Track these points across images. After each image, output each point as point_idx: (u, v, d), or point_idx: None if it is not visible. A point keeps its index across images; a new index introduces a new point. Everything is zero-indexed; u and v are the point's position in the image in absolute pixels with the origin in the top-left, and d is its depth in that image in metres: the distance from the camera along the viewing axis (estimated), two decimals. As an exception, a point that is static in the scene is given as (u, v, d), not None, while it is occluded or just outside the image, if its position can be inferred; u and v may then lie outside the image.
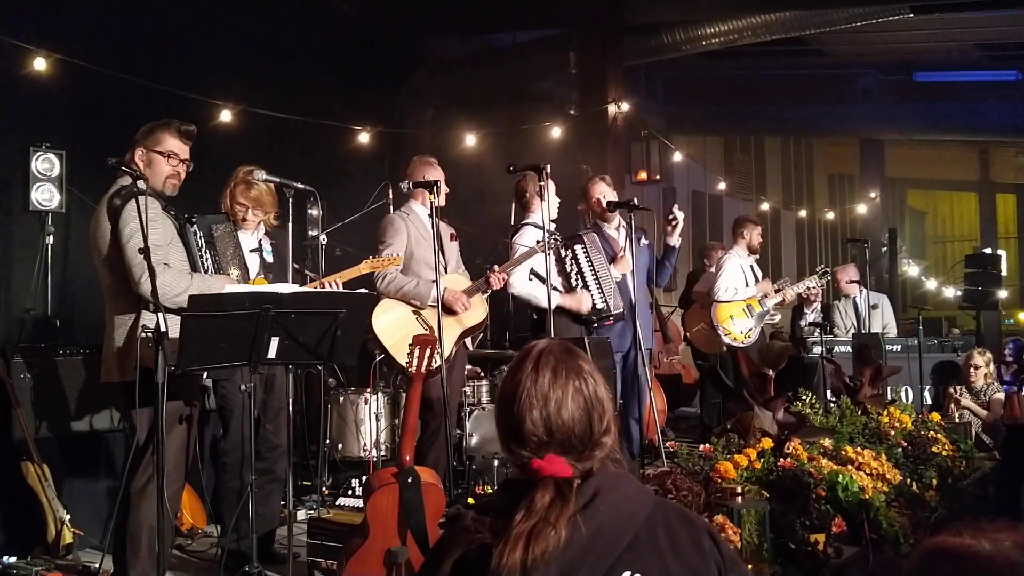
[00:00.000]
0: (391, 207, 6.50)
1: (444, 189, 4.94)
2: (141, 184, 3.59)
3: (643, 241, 5.83)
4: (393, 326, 4.86)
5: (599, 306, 5.34)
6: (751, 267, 7.48)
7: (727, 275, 7.30)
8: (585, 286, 5.35)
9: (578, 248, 5.41)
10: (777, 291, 7.49)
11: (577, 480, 1.58)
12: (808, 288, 7.96)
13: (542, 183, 4.97)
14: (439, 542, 1.64)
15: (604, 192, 5.72)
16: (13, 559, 4.44)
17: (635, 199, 5.65)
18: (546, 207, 5.07)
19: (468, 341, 5.17)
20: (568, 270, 5.36)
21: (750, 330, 7.23)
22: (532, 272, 5.24)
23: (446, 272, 4.94)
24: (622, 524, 1.56)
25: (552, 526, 1.51)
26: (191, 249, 3.80)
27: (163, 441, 3.22)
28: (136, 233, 3.41)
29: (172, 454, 3.59)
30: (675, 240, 5.89)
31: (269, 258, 4.73)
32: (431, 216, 4.89)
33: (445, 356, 4.68)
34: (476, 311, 5.03)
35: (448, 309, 4.84)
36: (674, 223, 5.79)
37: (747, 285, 7.35)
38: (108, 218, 3.58)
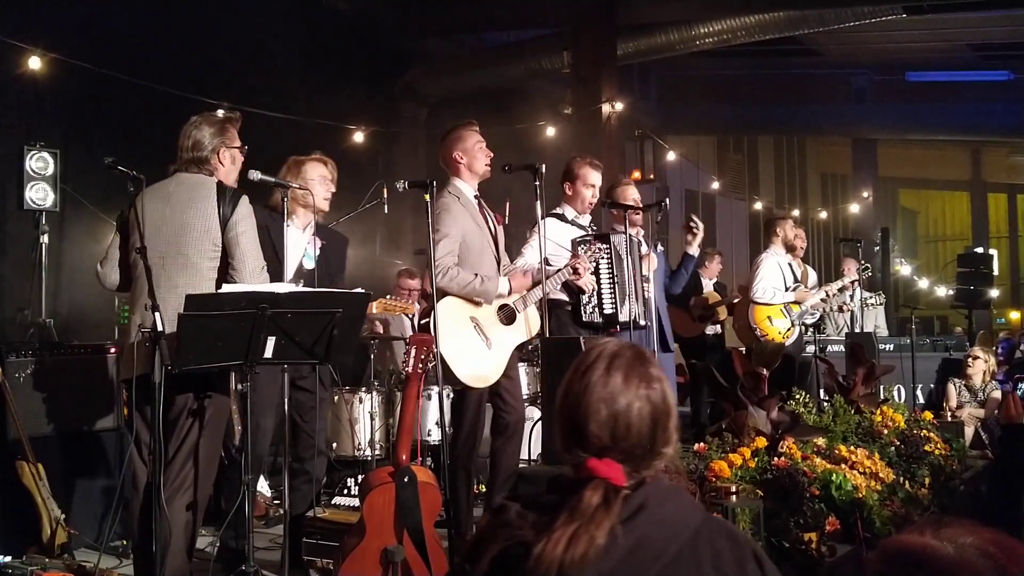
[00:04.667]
0: (385, 206, 6.48)
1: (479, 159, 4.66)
2: (213, 180, 3.66)
3: (659, 248, 5.83)
4: (449, 332, 4.35)
5: (607, 311, 5.16)
6: (789, 265, 7.30)
7: (764, 275, 7.14)
8: (597, 285, 5.18)
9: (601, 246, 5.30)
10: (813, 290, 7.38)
11: (626, 491, 1.55)
12: (847, 285, 7.85)
13: (536, 183, 4.89)
14: (481, 533, 1.62)
15: (635, 195, 5.68)
16: (8, 559, 4.43)
17: (667, 200, 5.64)
18: (540, 205, 4.98)
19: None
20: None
21: (788, 329, 7.12)
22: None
23: (499, 268, 4.64)
24: (665, 539, 1.53)
25: (592, 532, 1.49)
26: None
27: (161, 440, 3.22)
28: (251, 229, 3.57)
29: (215, 449, 3.64)
30: (694, 249, 5.94)
31: (309, 264, 4.37)
32: (477, 198, 4.62)
33: (501, 371, 4.52)
34: (535, 318, 4.68)
35: (511, 316, 4.59)
36: (695, 231, 5.85)
37: (786, 284, 7.19)
38: (242, 210, 3.60)
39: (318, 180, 4.38)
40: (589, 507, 1.52)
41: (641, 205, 5.58)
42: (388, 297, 4.56)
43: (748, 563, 1.57)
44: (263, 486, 5.49)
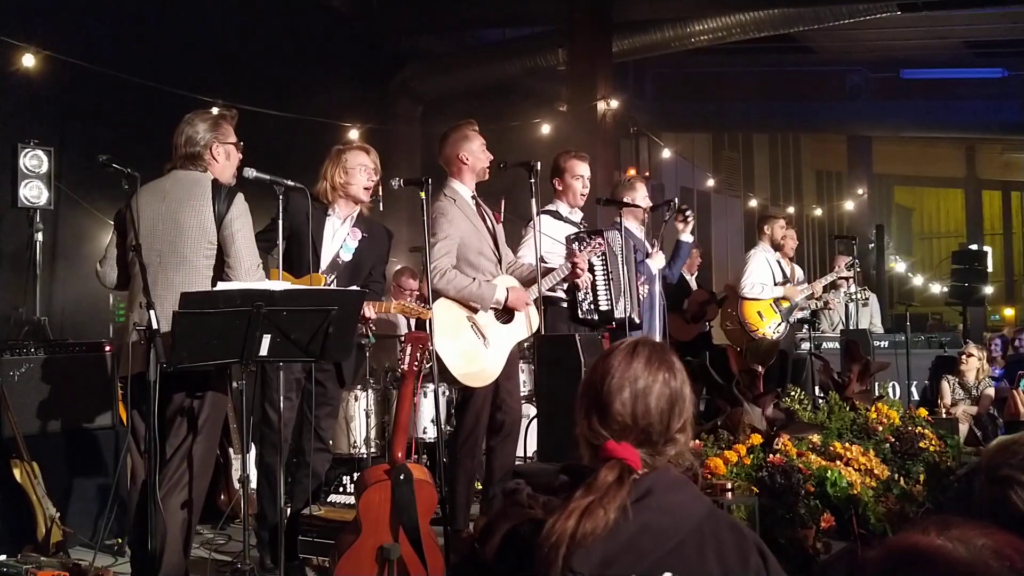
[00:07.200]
0: (380, 204, 6.46)
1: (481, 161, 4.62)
2: (208, 176, 3.66)
3: (656, 246, 5.87)
4: (446, 331, 4.32)
5: (603, 308, 5.12)
6: (778, 262, 7.33)
7: (753, 271, 7.17)
8: (592, 282, 5.14)
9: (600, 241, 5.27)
10: (802, 286, 7.40)
11: (636, 475, 1.60)
12: (836, 279, 7.87)
13: (532, 180, 4.87)
14: (493, 514, 1.66)
15: (644, 193, 5.80)
16: (3, 557, 4.43)
17: (676, 199, 5.78)
18: (535, 202, 4.96)
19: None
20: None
21: (779, 325, 7.13)
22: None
23: (500, 265, 4.61)
24: (670, 526, 1.57)
25: (605, 507, 1.54)
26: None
27: (156, 439, 3.22)
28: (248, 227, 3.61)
29: (212, 447, 3.63)
30: (687, 236, 6.12)
31: (346, 256, 4.28)
32: (475, 198, 4.58)
33: (500, 370, 4.48)
34: (533, 316, 4.63)
35: (511, 312, 4.56)
36: (689, 219, 6.08)
37: (775, 280, 7.21)
38: (237, 207, 3.62)
39: (358, 168, 4.30)
40: (604, 483, 1.57)
41: (651, 204, 5.76)
42: (408, 300, 4.52)
43: (752, 556, 1.60)
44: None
